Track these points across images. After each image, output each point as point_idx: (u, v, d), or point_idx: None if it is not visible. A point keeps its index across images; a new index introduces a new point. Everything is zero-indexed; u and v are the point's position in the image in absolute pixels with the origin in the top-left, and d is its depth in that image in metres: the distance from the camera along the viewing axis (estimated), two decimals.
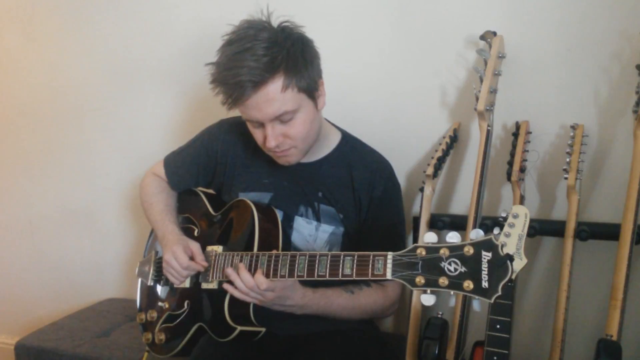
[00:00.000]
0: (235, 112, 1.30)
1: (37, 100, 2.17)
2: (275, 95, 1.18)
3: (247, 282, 1.17)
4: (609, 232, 1.39)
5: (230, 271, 1.21)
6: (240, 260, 1.23)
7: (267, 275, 1.17)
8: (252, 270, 1.20)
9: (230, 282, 1.21)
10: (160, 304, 1.45)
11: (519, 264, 1.02)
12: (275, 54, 1.16)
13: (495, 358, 1.16)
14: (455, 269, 0.94)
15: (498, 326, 1.17)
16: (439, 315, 1.37)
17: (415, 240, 1.60)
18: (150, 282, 1.46)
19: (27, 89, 2.18)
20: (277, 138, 1.24)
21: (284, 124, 1.23)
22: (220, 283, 1.29)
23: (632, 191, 1.27)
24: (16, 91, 2.20)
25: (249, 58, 1.15)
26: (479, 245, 0.93)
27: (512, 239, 1.03)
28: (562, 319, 1.35)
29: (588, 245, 1.42)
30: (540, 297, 1.57)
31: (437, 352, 1.33)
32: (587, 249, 1.45)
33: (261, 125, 1.24)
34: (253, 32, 1.19)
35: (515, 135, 1.46)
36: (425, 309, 1.54)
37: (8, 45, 2.18)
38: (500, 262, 0.91)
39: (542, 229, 1.47)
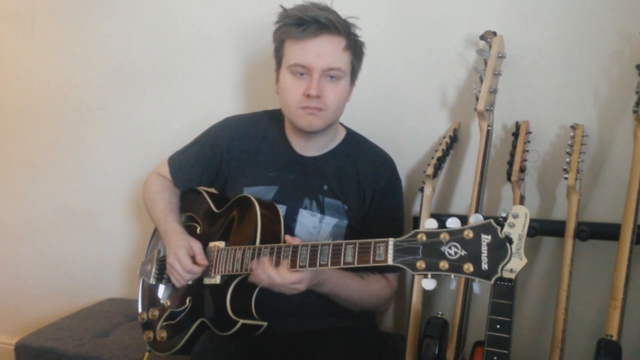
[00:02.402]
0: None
1: (37, 101, 2.17)
2: (337, 48, 1.28)
3: (274, 279, 1.15)
4: (609, 232, 1.39)
5: (255, 264, 1.19)
6: (243, 254, 1.24)
7: None
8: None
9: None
10: (162, 302, 1.45)
11: (519, 264, 1.03)
12: (344, 23, 1.30)
13: (495, 358, 1.16)
14: (456, 253, 0.95)
15: (498, 326, 1.17)
16: (439, 315, 1.37)
17: None
18: (152, 281, 1.47)
19: (27, 89, 2.18)
20: (319, 89, 1.28)
21: (329, 81, 1.29)
22: (222, 278, 1.29)
23: (632, 191, 1.27)
24: (16, 91, 2.20)
25: (324, 9, 1.29)
26: (478, 229, 0.94)
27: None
28: (562, 319, 1.35)
29: (588, 245, 1.42)
30: (540, 297, 1.57)
31: (437, 352, 1.33)
32: (587, 249, 1.45)
33: (306, 73, 1.28)
34: (324, 6, 1.31)
35: (515, 135, 1.46)
36: (425, 308, 1.54)
37: (8, 45, 2.18)
38: (500, 244, 0.92)
39: (542, 229, 1.47)
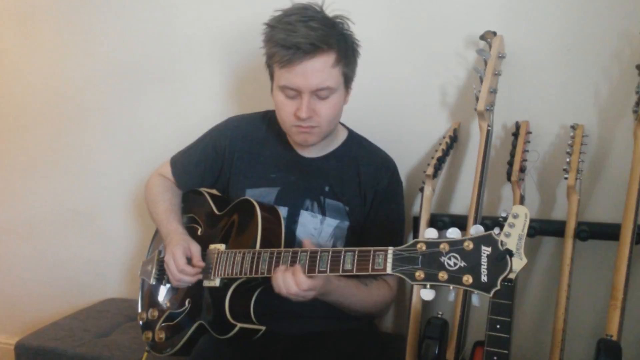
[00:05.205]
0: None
1: (37, 100, 2.17)
2: (325, 67, 1.23)
3: (289, 288, 1.14)
4: (609, 232, 1.39)
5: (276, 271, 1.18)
6: (243, 258, 1.24)
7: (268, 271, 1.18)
8: (254, 268, 1.20)
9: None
10: (161, 303, 1.45)
11: (519, 263, 1.03)
12: (331, 32, 1.23)
13: (495, 358, 1.16)
14: (455, 264, 0.94)
15: (498, 326, 1.16)
16: (439, 315, 1.37)
17: None
18: (152, 282, 1.47)
19: (27, 89, 2.18)
20: (309, 111, 1.26)
21: (319, 100, 1.27)
22: (221, 281, 1.29)
23: (632, 191, 1.27)
24: (16, 91, 2.20)
25: (308, 26, 1.21)
26: (478, 240, 0.94)
27: (512, 239, 1.04)
28: (562, 319, 1.35)
29: (588, 245, 1.42)
30: (540, 297, 1.57)
31: (437, 352, 1.33)
32: (587, 249, 1.45)
33: (297, 95, 1.26)
34: (312, 11, 1.25)
35: (515, 135, 1.46)
36: (425, 308, 1.54)
37: (8, 45, 2.17)
38: (500, 257, 0.92)
39: (542, 229, 1.47)
